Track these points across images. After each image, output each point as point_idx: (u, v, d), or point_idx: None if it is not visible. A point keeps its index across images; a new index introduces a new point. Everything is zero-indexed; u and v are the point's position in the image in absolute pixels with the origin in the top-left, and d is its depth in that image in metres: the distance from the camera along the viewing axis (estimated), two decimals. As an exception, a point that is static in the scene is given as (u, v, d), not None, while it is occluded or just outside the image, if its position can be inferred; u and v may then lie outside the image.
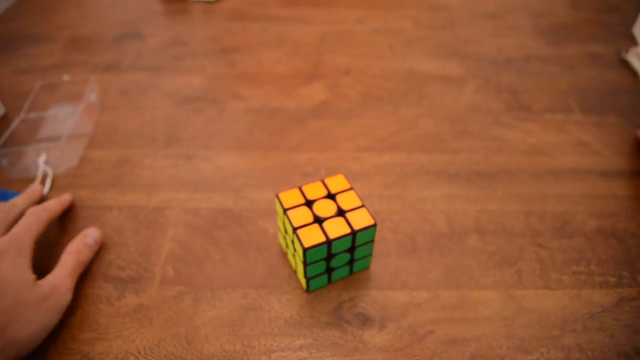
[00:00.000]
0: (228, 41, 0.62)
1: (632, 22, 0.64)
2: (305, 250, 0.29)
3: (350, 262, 0.33)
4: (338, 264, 0.32)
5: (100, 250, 0.36)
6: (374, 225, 0.30)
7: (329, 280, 0.34)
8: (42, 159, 0.42)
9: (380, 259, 0.36)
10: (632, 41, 0.61)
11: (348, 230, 0.30)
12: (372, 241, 0.32)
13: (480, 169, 0.43)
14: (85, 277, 0.35)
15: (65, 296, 0.31)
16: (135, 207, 0.40)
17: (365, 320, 0.32)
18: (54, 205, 0.37)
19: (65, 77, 0.53)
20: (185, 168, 0.43)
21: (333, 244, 0.30)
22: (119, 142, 0.46)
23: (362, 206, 0.31)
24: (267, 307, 0.33)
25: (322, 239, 0.29)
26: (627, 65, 0.57)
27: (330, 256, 0.31)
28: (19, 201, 0.36)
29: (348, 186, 0.33)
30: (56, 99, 0.51)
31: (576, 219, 0.39)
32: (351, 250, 0.31)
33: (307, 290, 0.33)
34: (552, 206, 0.40)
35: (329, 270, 0.32)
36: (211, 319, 0.32)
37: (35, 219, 0.33)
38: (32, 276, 0.30)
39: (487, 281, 0.34)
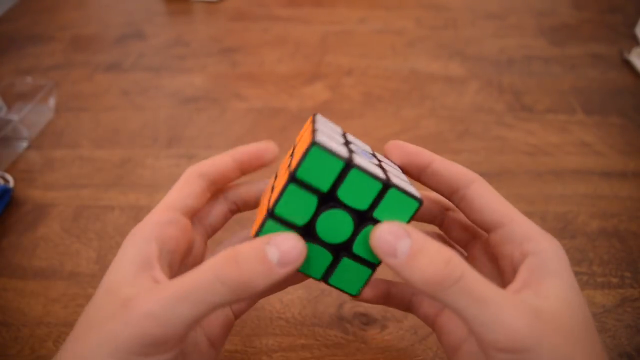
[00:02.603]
0: (230, 41, 0.62)
1: (635, 22, 0.64)
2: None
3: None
4: (328, 234, 0.20)
5: (102, 250, 0.36)
6: (420, 201, 0.20)
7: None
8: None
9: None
10: (635, 41, 0.61)
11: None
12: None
13: (482, 169, 0.43)
14: (86, 277, 0.35)
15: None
16: (137, 207, 0.40)
17: (366, 321, 0.32)
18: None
19: (28, 80, 0.52)
20: (187, 168, 0.43)
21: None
22: (121, 142, 0.46)
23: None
24: (269, 307, 0.33)
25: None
26: (629, 66, 0.56)
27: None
28: None
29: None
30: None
31: (578, 219, 0.38)
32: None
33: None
34: (554, 206, 0.40)
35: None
36: (213, 319, 0.32)
37: None
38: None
39: (489, 282, 0.34)
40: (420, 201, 0.20)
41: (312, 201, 0.19)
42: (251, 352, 0.30)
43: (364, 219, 0.20)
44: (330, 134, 0.20)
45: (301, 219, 0.19)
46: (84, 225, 0.38)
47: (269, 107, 0.51)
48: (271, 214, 0.19)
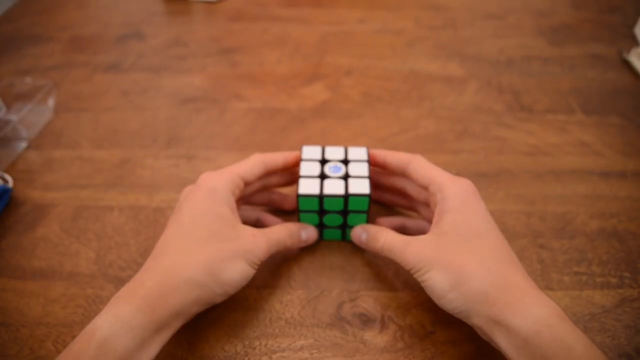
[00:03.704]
0: (229, 41, 0.62)
1: (634, 22, 0.64)
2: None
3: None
4: (330, 223, 0.35)
5: (101, 251, 0.36)
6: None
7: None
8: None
9: (381, 258, 0.36)
10: (634, 41, 0.61)
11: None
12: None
13: (481, 169, 0.43)
14: (86, 277, 0.35)
15: (257, 250, 0.30)
16: (136, 208, 0.40)
17: (366, 321, 0.32)
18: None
19: (27, 80, 0.52)
20: (186, 168, 0.43)
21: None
22: (120, 142, 0.46)
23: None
24: (268, 307, 0.33)
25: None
26: (628, 66, 0.56)
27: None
28: None
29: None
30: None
31: (577, 219, 0.39)
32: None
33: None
34: (553, 207, 0.40)
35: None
36: (212, 320, 0.32)
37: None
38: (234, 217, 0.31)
39: (488, 282, 0.34)
40: (368, 195, 0.32)
41: (316, 216, 0.35)
42: (251, 353, 0.30)
43: (345, 213, 0.34)
44: (311, 169, 0.34)
45: (314, 222, 0.35)
46: (84, 225, 0.38)
47: (268, 108, 0.51)
48: (299, 218, 0.35)
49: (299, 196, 0.32)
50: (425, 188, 0.32)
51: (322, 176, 0.33)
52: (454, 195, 0.30)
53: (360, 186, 0.32)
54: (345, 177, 0.33)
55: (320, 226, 0.36)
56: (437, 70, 0.56)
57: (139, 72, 0.56)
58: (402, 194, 0.37)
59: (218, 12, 0.69)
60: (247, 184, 0.34)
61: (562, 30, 0.64)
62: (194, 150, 0.45)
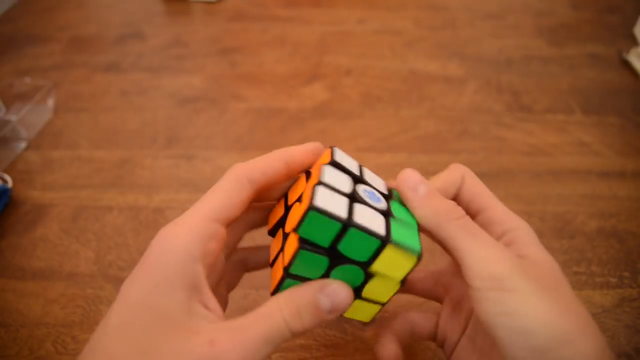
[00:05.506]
0: (229, 41, 0.62)
1: (633, 22, 0.64)
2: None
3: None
4: (342, 277, 0.21)
5: (100, 251, 0.36)
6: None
7: None
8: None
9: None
10: (633, 41, 0.61)
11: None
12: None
13: (481, 169, 0.43)
14: (85, 277, 0.35)
15: None
16: (136, 208, 0.40)
17: (365, 321, 0.32)
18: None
19: (27, 80, 0.52)
20: (186, 168, 0.43)
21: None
22: (120, 142, 0.46)
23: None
24: (268, 307, 0.33)
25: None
26: (627, 66, 0.56)
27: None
28: None
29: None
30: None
31: (577, 219, 0.39)
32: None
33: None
34: (553, 206, 0.40)
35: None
36: (211, 320, 0.32)
37: None
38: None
39: (488, 282, 0.34)
40: (419, 255, 0.20)
41: (323, 260, 0.20)
42: (250, 352, 0.30)
43: (368, 268, 0.21)
44: (339, 180, 0.21)
45: (315, 274, 0.21)
46: (83, 225, 0.38)
47: (268, 108, 0.51)
48: (287, 274, 0.21)
49: (309, 210, 0.19)
50: (472, 213, 0.23)
51: (354, 197, 0.21)
52: (528, 232, 0.22)
53: (409, 237, 0.21)
54: (386, 214, 0.21)
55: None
56: (436, 70, 0.56)
57: (138, 72, 0.56)
58: None
59: (218, 12, 0.69)
60: (230, 222, 0.21)
61: (562, 31, 0.64)
62: (194, 151, 0.45)
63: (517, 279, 0.18)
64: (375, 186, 0.23)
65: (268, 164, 0.22)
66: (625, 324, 0.31)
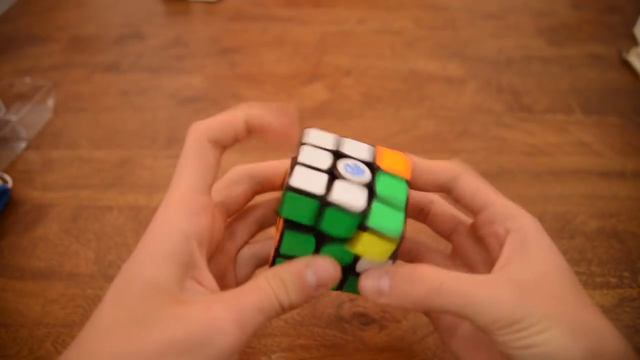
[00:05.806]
0: (228, 41, 0.62)
1: (633, 22, 0.64)
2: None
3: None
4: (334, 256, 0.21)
5: (100, 251, 0.36)
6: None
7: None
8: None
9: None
10: (633, 41, 0.61)
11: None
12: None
13: (481, 169, 0.42)
14: (85, 277, 0.35)
15: (218, 340, 0.17)
16: (136, 208, 0.40)
17: (365, 321, 0.32)
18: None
19: (27, 80, 0.52)
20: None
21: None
22: (120, 142, 0.46)
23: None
24: (268, 307, 0.33)
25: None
26: (628, 66, 0.56)
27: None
28: None
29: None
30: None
31: (577, 219, 0.39)
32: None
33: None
34: (553, 207, 0.40)
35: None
36: (211, 320, 0.32)
37: None
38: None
39: (488, 282, 0.34)
40: (399, 238, 0.19)
41: (310, 239, 0.21)
42: (250, 352, 0.30)
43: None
44: (317, 158, 0.21)
45: (305, 253, 0.21)
46: (83, 225, 0.38)
47: (268, 108, 0.50)
48: (278, 254, 0.22)
49: (286, 190, 0.19)
50: (474, 211, 0.23)
51: (333, 173, 0.20)
52: (532, 229, 0.21)
53: (390, 217, 0.20)
54: (370, 186, 0.21)
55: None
56: (436, 70, 0.56)
57: (138, 72, 0.56)
58: (421, 214, 0.27)
59: (217, 12, 0.69)
60: (212, 184, 0.22)
61: (562, 30, 0.64)
62: (194, 151, 0.45)
63: (524, 311, 0.18)
64: (359, 157, 0.22)
65: (225, 120, 0.22)
66: (625, 324, 0.31)
